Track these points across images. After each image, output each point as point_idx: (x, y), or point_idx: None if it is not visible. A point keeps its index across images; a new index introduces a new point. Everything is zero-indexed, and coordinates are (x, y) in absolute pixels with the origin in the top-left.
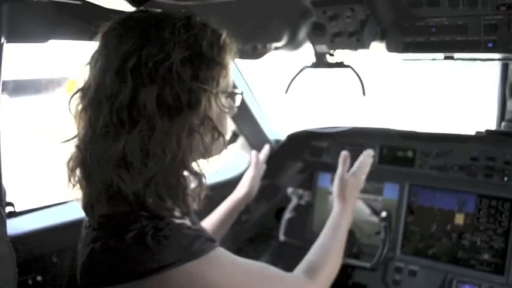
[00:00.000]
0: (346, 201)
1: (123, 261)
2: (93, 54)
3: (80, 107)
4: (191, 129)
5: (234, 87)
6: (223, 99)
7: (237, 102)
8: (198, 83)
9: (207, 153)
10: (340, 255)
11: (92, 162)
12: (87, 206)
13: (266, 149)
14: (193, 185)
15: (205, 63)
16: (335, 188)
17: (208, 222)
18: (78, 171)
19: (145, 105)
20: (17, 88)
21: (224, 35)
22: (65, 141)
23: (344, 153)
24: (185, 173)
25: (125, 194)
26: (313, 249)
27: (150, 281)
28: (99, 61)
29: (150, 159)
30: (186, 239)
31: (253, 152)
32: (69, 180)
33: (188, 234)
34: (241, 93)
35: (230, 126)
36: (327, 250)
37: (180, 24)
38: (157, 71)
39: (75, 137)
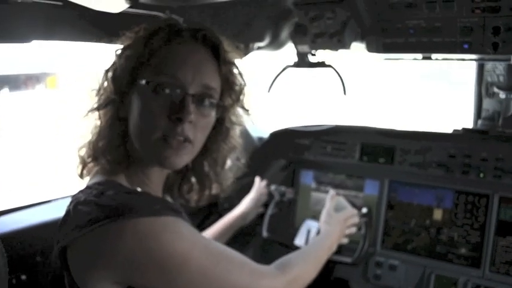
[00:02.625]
0: (333, 228)
1: (88, 211)
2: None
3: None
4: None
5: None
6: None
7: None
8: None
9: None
10: (317, 266)
11: None
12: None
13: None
14: None
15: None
16: (322, 218)
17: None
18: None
19: None
20: None
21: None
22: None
23: (331, 192)
24: None
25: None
26: (297, 251)
27: (109, 227)
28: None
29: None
30: (149, 200)
31: (257, 178)
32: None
33: (153, 198)
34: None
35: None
36: (305, 254)
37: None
38: None
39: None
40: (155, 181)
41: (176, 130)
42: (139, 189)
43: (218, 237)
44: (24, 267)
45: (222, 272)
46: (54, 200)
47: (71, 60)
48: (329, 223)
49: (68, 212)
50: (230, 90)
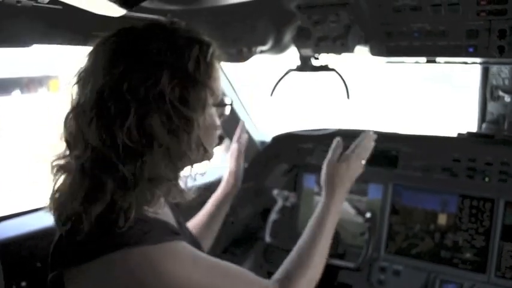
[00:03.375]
0: (335, 191)
1: (86, 240)
2: (81, 73)
3: (73, 127)
4: (185, 152)
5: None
6: (212, 114)
7: (227, 111)
8: (189, 110)
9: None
10: (325, 254)
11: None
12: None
13: (244, 137)
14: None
15: (192, 86)
16: (323, 175)
17: (197, 219)
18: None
19: (153, 130)
20: None
21: (211, 49)
22: (57, 159)
23: (338, 139)
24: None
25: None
26: (294, 252)
27: (107, 259)
28: (90, 82)
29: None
30: (148, 226)
31: (234, 146)
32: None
33: (151, 223)
34: (231, 104)
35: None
36: (308, 253)
37: (166, 44)
38: (150, 96)
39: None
40: None
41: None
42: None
43: (213, 213)
44: (24, 274)
45: None
46: None
47: (73, 62)
48: (332, 183)
49: (61, 236)
50: None
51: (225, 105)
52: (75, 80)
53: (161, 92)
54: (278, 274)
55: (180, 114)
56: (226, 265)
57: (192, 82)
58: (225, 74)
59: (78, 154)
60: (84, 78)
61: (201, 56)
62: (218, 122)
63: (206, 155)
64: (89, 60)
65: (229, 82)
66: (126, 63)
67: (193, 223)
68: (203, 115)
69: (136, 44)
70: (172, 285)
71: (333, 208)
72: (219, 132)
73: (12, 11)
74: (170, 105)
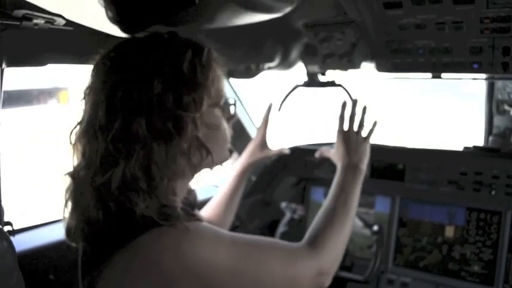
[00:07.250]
0: (351, 153)
1: (107, 232)
2: (85, 89)
3: (76, 138)
4: (183, 153)
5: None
6: (212, 115)
7: (231, 111)
8: (181, 110)
9: (196, 171)
10: (351, 218)
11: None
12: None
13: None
14: None
15: (187, 88)
16: (336, 143)
17: (215, 199)
18: (71, 201)
19: (137, 134)
20: (8, 99)
21: (205, 51)
22: (67, 174)
23: (343, 104)
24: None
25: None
26: (318, 214)
27: (131, 245)
28: (90, 95)
29: (153, 181)
30: (168, 210)
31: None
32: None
33: (170, 207)
34: (234, 104)
35: (228, 136)
36: (332, 215)
37: (161, 50)
38: (142, 102)
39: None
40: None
41: None
42: None
43: (235, 184)
44: (38, 286)
45: (252, 264)
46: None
47: (81, 74)
48: (347, 150)
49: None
50: None
51: (228, 105)
52: (82, 96)
53: (151, 97)
54: (305, 236)
55: (172, 116)
56: (249, 237)
57: (186, 84)
58: (233, 88)
59: (84, 165)
60: (87, 95)
61: (195, 58)
62: (225, 124)
63: (213, 157)
64: (91, 76)
65: (237, 96)
66: (120, 73)
67: (211, 204)
68: (200, 115)
69: (131, 53)
70: (200, 265)
71: (353, 166)
72: (227, 136)
73: (29, 33)
74: (160, 109)
